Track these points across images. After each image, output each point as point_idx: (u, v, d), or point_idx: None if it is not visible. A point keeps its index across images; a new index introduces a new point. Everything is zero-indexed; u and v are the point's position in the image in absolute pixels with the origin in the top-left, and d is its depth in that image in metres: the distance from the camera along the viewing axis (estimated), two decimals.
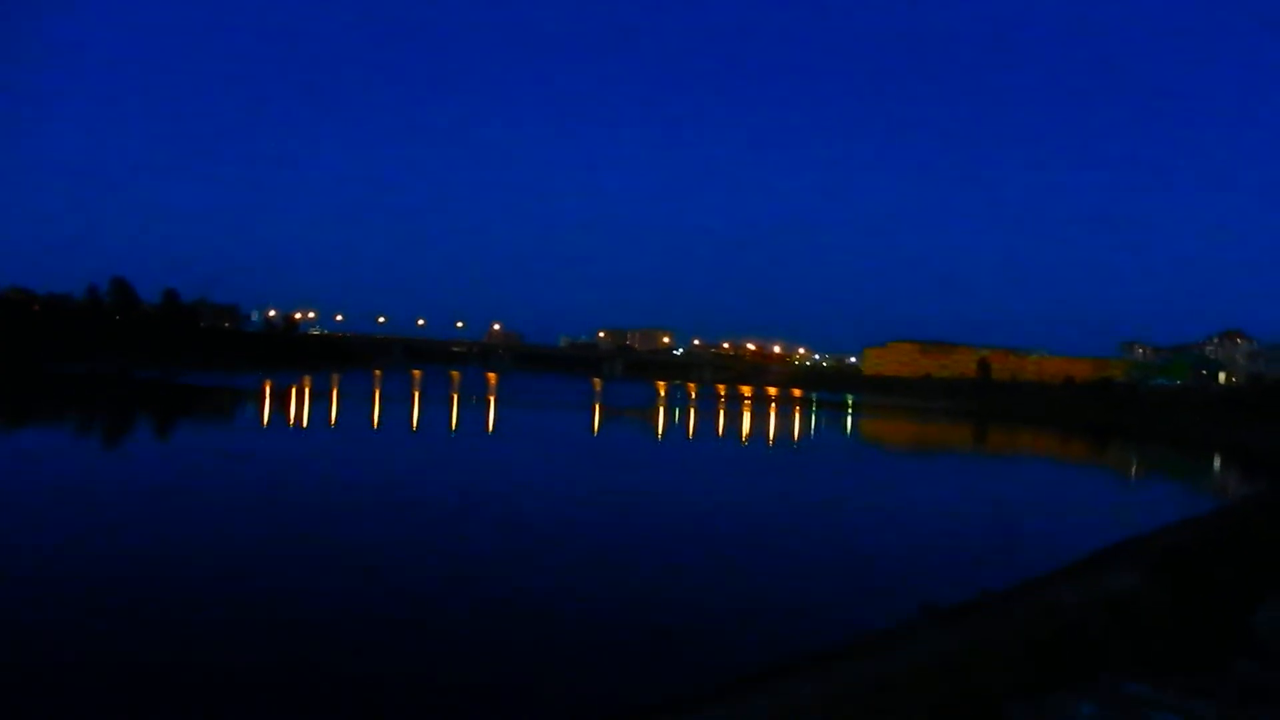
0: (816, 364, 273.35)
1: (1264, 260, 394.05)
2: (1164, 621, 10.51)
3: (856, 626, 15.25)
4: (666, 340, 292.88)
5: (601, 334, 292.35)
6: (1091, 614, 11.21)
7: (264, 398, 73.22)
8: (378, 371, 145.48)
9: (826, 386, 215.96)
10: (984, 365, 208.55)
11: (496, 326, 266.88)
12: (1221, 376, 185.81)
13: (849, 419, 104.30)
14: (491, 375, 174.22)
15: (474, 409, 76.51)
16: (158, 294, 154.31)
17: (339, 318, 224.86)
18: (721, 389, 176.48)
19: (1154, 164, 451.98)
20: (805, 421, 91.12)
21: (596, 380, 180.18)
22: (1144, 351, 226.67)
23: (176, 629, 14.02)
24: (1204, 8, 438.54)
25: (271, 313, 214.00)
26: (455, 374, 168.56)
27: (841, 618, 16.32)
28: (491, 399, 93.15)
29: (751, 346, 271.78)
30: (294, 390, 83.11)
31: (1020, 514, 32.35)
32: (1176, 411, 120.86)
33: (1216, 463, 67.62)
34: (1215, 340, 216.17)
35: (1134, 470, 62.54)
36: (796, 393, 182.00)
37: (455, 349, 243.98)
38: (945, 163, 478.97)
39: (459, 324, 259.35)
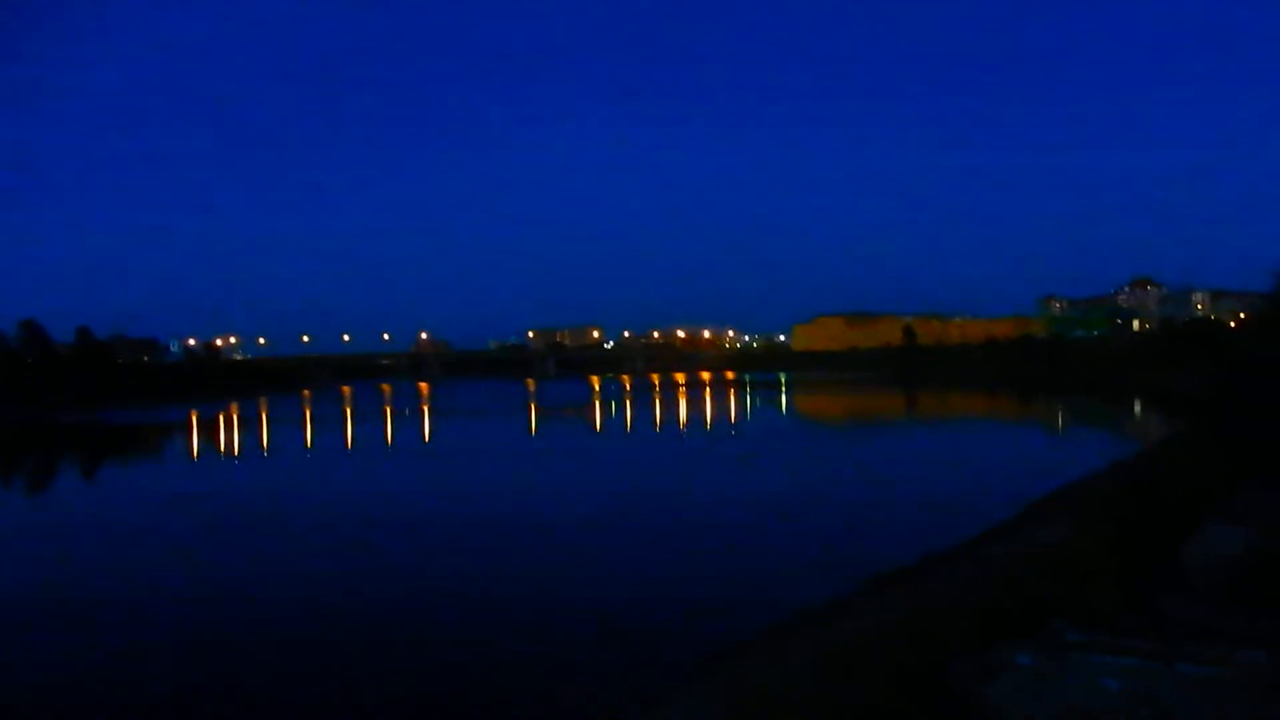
0: (747, 345, 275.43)
1: (1168, 207, 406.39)
2: (1098, 565, 10.86)
3: (805, 600, 15.47)
4: (597, 335, 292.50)
5: (531, 334, 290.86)
6: (1028, 566, 11.54)
7: (191, 429, 71.60)
8: (306, 392, 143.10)
9: (759, 367, 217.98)
10: (909, 333, 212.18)
11: (424, 336, 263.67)
12: (1136, 324, 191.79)
13: (783, 397, 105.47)
14: (423, 385, 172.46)
15: (407, 422, 75.74)
16: (70, 333, 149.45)
17: (261, 341, 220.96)
18: (655, 378, 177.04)
19: (1056, 121, 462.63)
20: (740, 403, 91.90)
21: (530, 381, 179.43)
22: (1060, 305, 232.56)
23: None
24: None
25: (191, 342, 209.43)
26: (386, 387, 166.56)
27: (788, 595, 16.50)
28: (425, 409, 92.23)
29: (681, 334, 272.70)
30: (221, 419, 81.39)
31: (953, 475, 33.07)
32: (1095, 361, 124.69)
33: (1137, 407, 69.84)
34: (1127, 289, 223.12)
35: (1059, 422, 64.31)
36: (730, 375, 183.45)
37: (384, 362, 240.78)
38: (855, 137, 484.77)
39: (385, 336, 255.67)
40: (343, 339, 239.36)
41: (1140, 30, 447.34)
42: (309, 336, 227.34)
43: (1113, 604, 8.81)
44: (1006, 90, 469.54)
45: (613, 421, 70.10)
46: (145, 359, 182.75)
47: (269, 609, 17.27)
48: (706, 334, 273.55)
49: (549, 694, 12.34)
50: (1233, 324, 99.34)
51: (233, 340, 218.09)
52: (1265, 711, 5.98)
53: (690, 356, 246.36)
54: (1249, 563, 9.55)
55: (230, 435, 65.39)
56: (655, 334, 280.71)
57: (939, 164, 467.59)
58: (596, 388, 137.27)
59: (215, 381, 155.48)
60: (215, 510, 29.65)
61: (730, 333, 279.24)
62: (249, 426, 72.61)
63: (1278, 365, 19.49)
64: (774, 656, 10.78)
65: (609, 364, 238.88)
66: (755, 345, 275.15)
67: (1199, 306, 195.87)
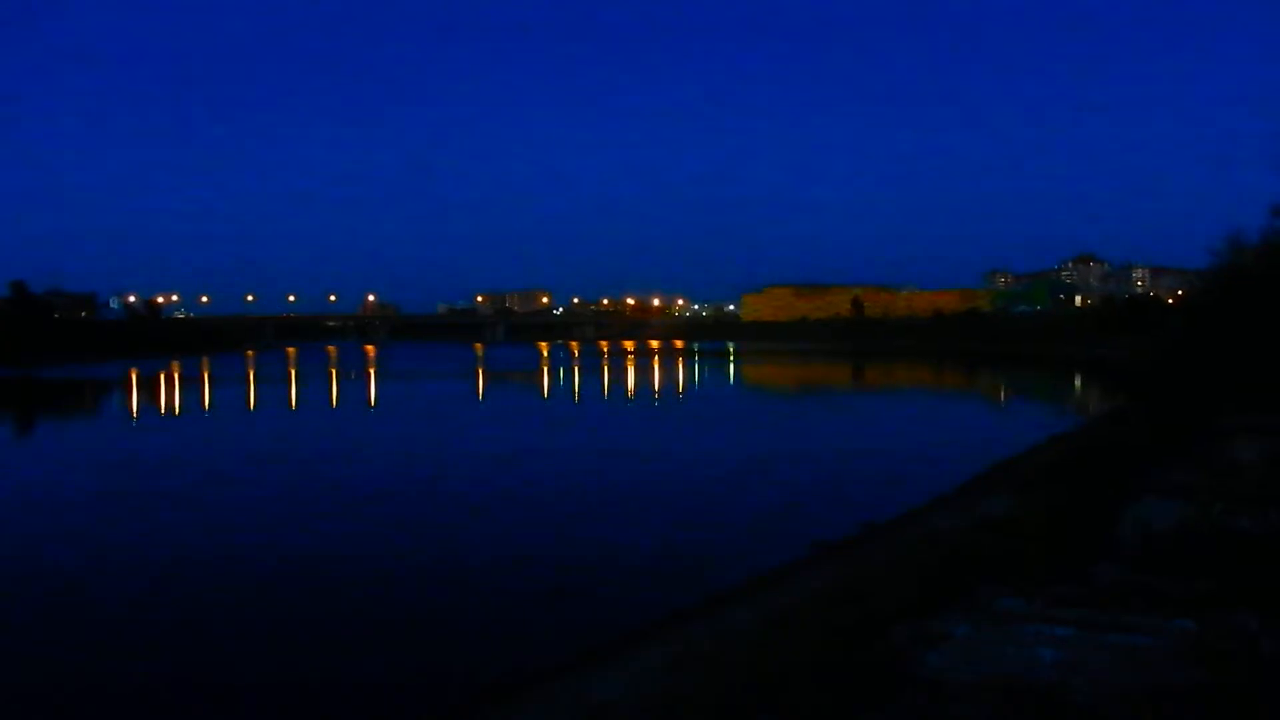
0: (696, 314, 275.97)
1: (1111, 187, 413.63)
2: (1036, 536, 11.01)
3: (746, 568, 15.54)
4: (546, 301, 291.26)
5: (480, 299, 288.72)
6: (969, 536, 11.66)
7: (129, 388, 70.08)
8: (250, 352, 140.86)
9: (707, 336, 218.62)
10: (857, 304, 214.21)
11: (371, 298, 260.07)
12: (1078, 299, 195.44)
13: (731, 366, 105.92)
14: (369, 348, 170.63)
15: (353, 384, 74.90)
16: (3, 287, 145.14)
17: (204, 300, 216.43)
18: (604, 345, 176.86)
19: (1004, 100, 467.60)
20: (689, 372, 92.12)
21: (478, 346, 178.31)
22: (1006, 280, 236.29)
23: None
24: None
25: (131, 298, 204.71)
26: (332, 349, 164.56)
27: (730, 565, 16.54)
28: (371, 372, 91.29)
29: (631, 301, 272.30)
30: (162, 378, 79.77)
31: (896, 446, 33.44)
32: (1039, 335, 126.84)
33: (1077, 380, 71.20)
34: (1070, 265, 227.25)
35: (1002, 394, 65.36)
36: (678, 344, 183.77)
37: (330, 324, 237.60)
38: (810, 109, 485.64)
39: (332, 298, 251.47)
40: (288, 299, 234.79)
41: (1093, 5, 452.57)
42: (254, 296, 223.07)
43: (1050, 573, 8.92)
44: (960, 67, 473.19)
45: (559, 388, 69.91)
46: (84, 315, 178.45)
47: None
48: (656, 302, 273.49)
49: (490, 655, 12.32)
50: (1170, 300, 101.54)
51: (175, 298, 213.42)
52: (1192, 676, 6.09)
53: (640, 324, 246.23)
54: (1179, 534, 9.73)
55: (170, 395, 64.18)
56: (605, 301, 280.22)
57: (891, 138, 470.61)
58: (545, 354, 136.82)
59: (156, 339, 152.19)
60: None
61: (680, 301, 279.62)
62: (189, 386, 71.32)
63: (1206, 339, 19.90)
64: (713, 621, 10.81)
65: (558, 330, 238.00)
66: (705, 314, 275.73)
67: (1139, 284, 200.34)
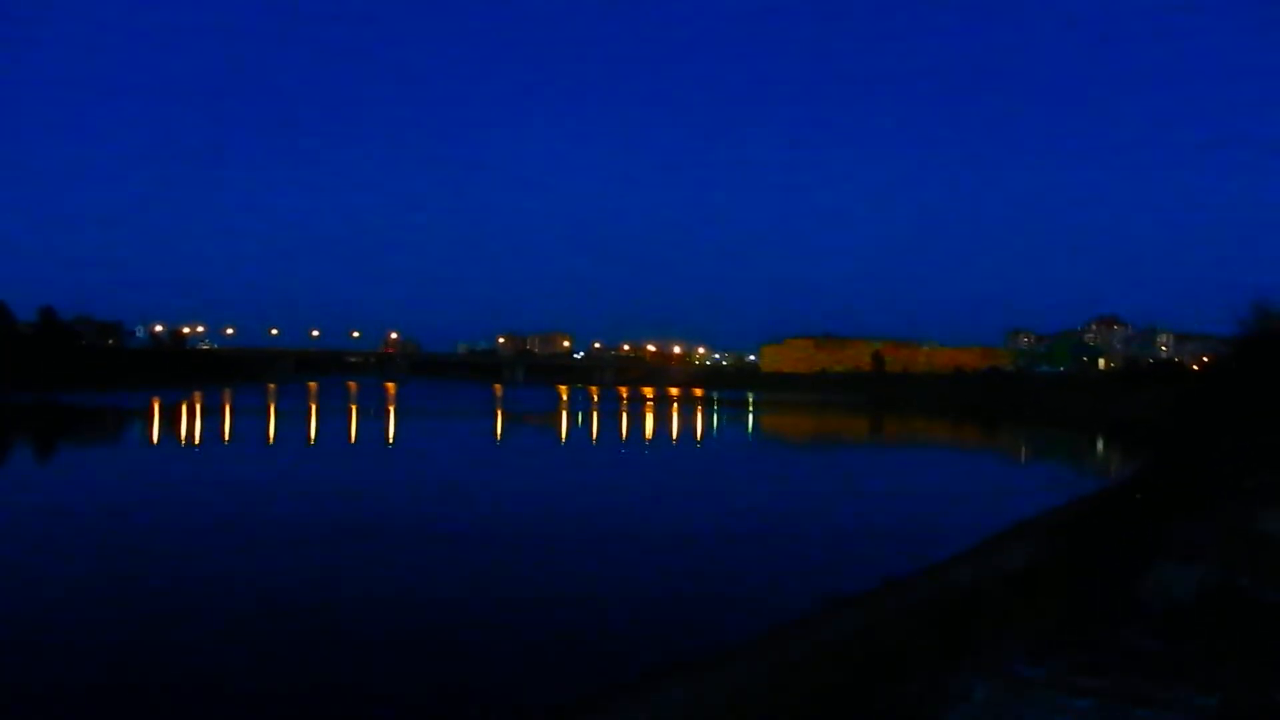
0: (716, 363, 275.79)
1: (1136, 249, 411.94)
2: (1054, 595, 10.80)
3: (758, 622, 15.32)
4: (567, 344, 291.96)
5: (501, 340, 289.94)
6: (986, 592, 11.46)
7: (151, 417, 70.53)
8: (271, 385, 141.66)
9: (727, 385, 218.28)
10: (878, 358, 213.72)
11: (393, 335, 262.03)
12: (1101, 362, 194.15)
13: (750, 416, 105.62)
14: (390, 385, 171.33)
15: (373, 420, 75.12)
16: (33, 312, 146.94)
17: (229, 331, 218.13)
18: (624, 391, 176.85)
19: (1028, 159, 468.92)
20: (707, 420, 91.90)
21: (498, 386, 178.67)
22: (1028, 339, 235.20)
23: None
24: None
25: (158, 328, 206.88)
26: (353, 385, 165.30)
27: (744, 618, 16.31)
28: (391, 409, 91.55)
29: (652, 348, 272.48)
30: (184, 407, 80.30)
31: (915, 504, 33.13)
32: (1060, 395, 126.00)
33: (1100, 441, 70.52)
34: (1093, 326, 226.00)
35: (1023, 453, 64.78)
36: (698, 392, 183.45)
37: (351, 359, 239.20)
38: (833, 165, 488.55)
39: (354, 334, 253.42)
40: (311, 334, 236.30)
41: (1124, 65, 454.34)
42: (277, 330, 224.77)
43: (1068, 634, 8.73)
44: (986, 124, 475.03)
45: (578, 431, 69.82)
46: (110, 342, 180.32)
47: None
48: (677, 349, 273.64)
49: (504, 694, 12.17)
50: (1195, 367, 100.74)
51: (200, 329, 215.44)
52: None
53: (659, 371, 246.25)
54: (1203, 601, 9.52)
55: (191, 424, 64.50)
56: (625, 346, 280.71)
57: (915, 193, 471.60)
58: (564, 397, 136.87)
59: (179, 369, 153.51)
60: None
61: (700, 349, 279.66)
62: (212, 416, 71.69)
63: (1233, 400, 19.69)
64: (720, 674, 10.64)
65: (578, 374, 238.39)
66: (725, 363, 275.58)
67: (1163, 348, 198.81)
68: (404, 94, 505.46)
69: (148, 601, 16.68)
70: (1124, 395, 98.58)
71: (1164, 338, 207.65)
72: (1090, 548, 12.64)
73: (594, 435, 65.78)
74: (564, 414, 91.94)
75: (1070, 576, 11.44)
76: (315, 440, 56.17)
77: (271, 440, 55.28)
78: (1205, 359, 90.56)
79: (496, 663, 13.64)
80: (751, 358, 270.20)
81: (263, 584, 17.98)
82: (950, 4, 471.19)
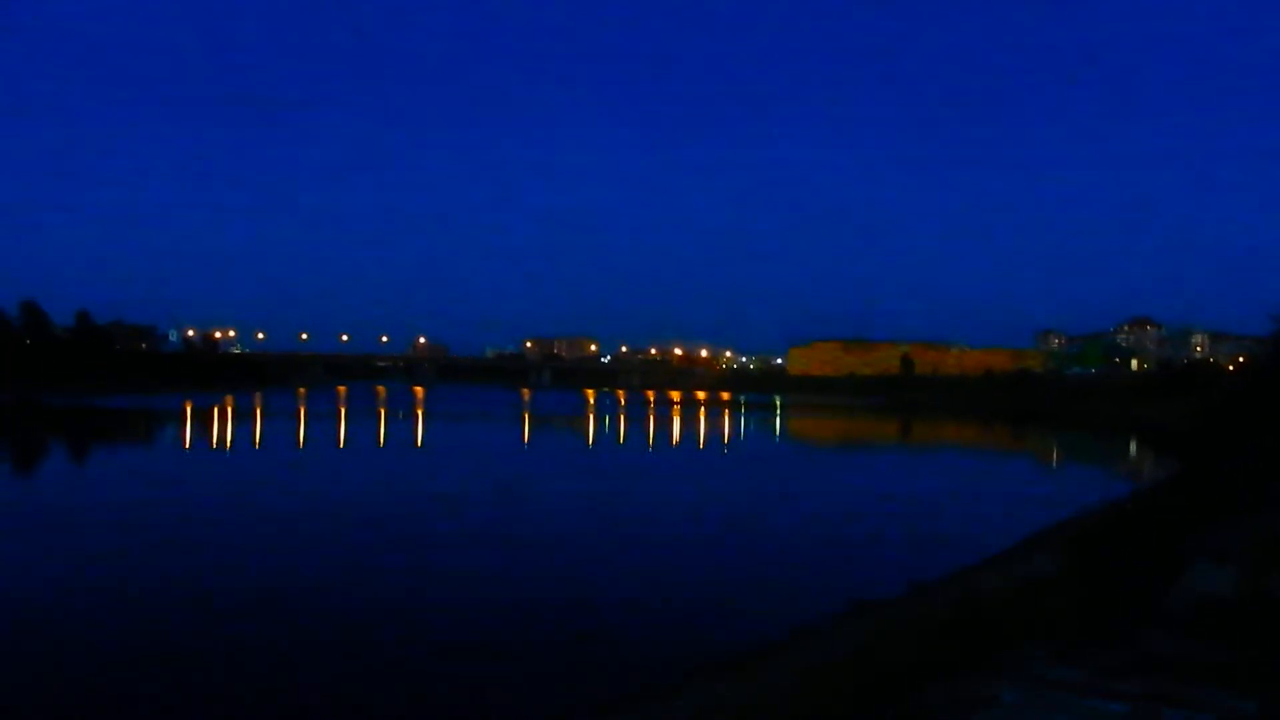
0: (743, 366, 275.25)
1: (1169, 249, 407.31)
2: (1083, 598, 10.74)
3: (787, 624, 15.28)
4: (593, 348, 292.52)
5: (528, 344, 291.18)
6: (1013, 595, 11.41)
7: (184, 419, 71.32)
8: (301, 389, 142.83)
9: (754, 388, 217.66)
10: (906, 361, 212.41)
11: (421, 340, 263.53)
12: (1134, 363, 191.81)
13: (778, 419, 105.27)
14: (418, 389, 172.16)
15: (402, 424, 75.56)
16: (70, 316, 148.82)
17: (260, 336, 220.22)
18: (650, 394, 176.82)
19: (1059, 159, 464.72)
20: (735, 424, 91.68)
21: (525, 390, 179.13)
22: (1059, 341, 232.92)
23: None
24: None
25: (190, 332, 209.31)
26: (381, 389, 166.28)
27: (767, 621, 16.26)
28: (420, 413, 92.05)
29: (678, 351, 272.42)
30: (215, 411, 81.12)
31: (945, 505, 32.93)
32: (1092, 398, 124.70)
33: (1132, 444, 69.74)
34: (1126, 328, 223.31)
35: (1055, 456, 64.19)
36: (725, 396, 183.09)
37: (379, 364, 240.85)
38: (859, 166, 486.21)
39: (383, 338, 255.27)
40: (340, 339, 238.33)
41: (1152, 63, 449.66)
42: (307, 334, 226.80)
43: (1098, 637, 8.68)
44: (1018, 123, 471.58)
45: (608, 435, 69.92)
46: (143, 346, 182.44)
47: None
48: (703, 352, 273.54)
49: (519, 697, 12.23)
50: (1230, 367, 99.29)
51: (232, 333, 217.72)
52: None
53: (686, 374, 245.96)
54: (1233, 602, 9.44)
55: (222, 428, 65.15)
56: (652, 350, 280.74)
57: (944, 195, 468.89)
58: (591, 401, 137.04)
59: (211, 373, 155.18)
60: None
61: (727, 353, 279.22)
62: (244, 420, 72.39)
63: (1263, 403, 19.45)
64: (743, 676, 10.65)
65: (604, 377, 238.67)
66: (751, 366, 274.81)
67: (1198, 349, 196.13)
68: (435, 96, 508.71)
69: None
70: (1157, 398, 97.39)
71: (1199, 338, 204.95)
72: (1119, 554, 12.55)
73: (621, 438, 65.86)
74: (591, 419, 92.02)
75: (1098, 578, 11.37)
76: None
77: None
78: (1241, 359, 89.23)
79: (526, 660, 13.74)
80: (778, 360, 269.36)
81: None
82: None
